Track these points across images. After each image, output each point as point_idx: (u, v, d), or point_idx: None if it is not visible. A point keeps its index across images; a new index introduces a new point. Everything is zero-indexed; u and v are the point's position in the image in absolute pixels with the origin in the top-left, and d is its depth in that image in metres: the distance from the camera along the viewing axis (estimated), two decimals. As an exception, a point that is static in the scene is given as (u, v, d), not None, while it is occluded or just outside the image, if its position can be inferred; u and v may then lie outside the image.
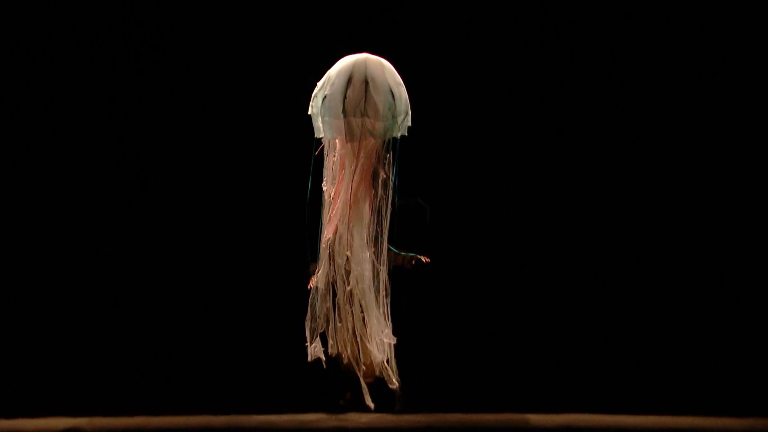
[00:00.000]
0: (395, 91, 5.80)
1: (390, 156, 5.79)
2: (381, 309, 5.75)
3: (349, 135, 5.74)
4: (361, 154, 5.75)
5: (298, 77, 6.28)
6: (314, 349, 5.78)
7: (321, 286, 5.76)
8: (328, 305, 5.74)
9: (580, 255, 6.84)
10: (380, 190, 5.79)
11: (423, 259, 6.07)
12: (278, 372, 6.48)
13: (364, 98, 5.70)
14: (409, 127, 5.84)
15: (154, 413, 6.22)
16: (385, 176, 5.79)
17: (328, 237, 5.75)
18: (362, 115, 5.71)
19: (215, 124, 6.88)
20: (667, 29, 6.87)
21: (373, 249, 5.75)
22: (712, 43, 6.83)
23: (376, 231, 5.79)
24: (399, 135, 5.81)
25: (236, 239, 6.83)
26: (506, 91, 6.93)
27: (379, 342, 5.74)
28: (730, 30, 6.82)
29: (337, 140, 5.81)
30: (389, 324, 5.77)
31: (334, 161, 5.83)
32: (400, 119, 5.78)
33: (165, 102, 6.84)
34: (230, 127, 6.88)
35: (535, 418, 6.11)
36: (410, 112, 5.84)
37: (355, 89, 5.71)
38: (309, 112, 5.85)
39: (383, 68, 5.83)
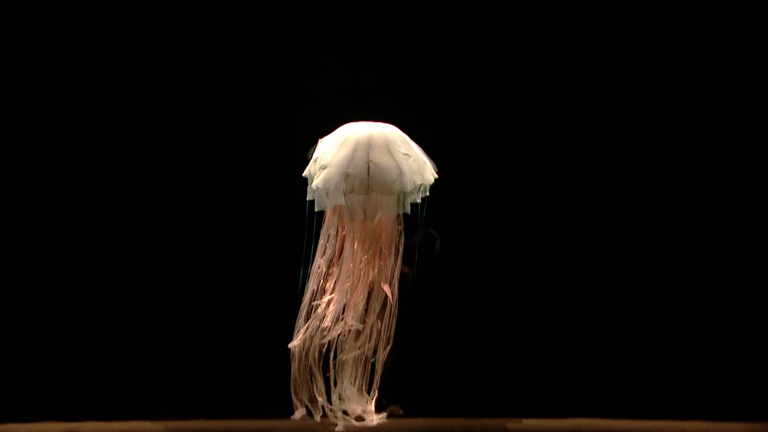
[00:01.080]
0: (403, 165, 5.60)
1: (402, 228, 5.73)
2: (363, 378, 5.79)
3: (352, 213, 5.63)
4: (368, 232, 5.68)
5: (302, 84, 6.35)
6: (299, 416, 5.81)
7: (298, 353, 5.75)
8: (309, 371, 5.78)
9: (582, 256, 6.78)
10: (392, 263, 5.73)
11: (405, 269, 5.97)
12: (276, 375, 6.28)
13: (366, 178, 5.54)
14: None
15: (148, 418, 6.22)
16: (396, 251, 5.72)
17: (326, 325, 5.69)
18: (366, 193, 5.60)
19: (216, 126, 6.81)
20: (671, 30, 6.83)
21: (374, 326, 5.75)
22: (712, 43, 6.78)
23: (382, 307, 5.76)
24: (419, 198, 5.70)
25: (234, 241, 6.75)
26: (507, 91, 6.89)
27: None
28: (731, 30, 6.78)
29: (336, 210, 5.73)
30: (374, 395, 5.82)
31: (331, 232, 5.75)
32: (410, 191, 5.64)
33: (166, 102, 6.78)
34: (232, 130, 6.83)
35: (540, 423, 6.12)
36: (424, 179, 5.72)
37: (357, 168, 5.56)
38: (304, 174, 5.78)
39: (387, 145, 5.61)
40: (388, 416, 5.89)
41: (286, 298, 6.21)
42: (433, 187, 5.90)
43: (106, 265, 6.68)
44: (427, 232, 5.88)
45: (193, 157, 6.73)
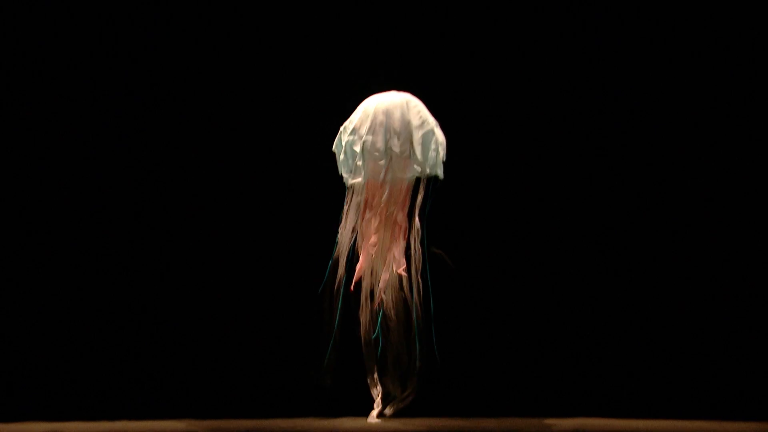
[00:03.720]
0: (421, 133, 5.90)
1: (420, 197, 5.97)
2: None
3: (374, 175, 5.91)
4: (390, 196, 5.93)
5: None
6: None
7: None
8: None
9: (585, 255, 6.73)
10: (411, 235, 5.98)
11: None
12: (272, 375, 6.44)
13: (386, 144, 5.86)
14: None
15: (135, 417, 6.22)
16: (413, 219, 5.97)
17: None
18: (389, 157, 5.87)
19: (227, 127, 6.79)
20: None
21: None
22: (712, 43, 6.77)
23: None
24: (436, 173, 5.95)
25: (237, 241, 6.69)
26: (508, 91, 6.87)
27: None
28: (731, 30, 6.76)
29: (364, 182, 5.97)
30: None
31: (357, 204, 6.01)
32: (430, 158, 5.91)
33: (170, 101, 6.74)
34: (244, 131, 6.80)
35: (542, 423, 6.10)
36: (441, 150, 5.95)
37: (377, 134, 5.89)
38: (333, 149, 6.04)
39: (406, 112, 5.93)
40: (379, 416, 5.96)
41: (285, 298, 6.36)
42: (436, 186, 5.99)
43: (94, 266, 6.62)
44: (431, 251, 6.10)
45: (199, 157, 6.73)
